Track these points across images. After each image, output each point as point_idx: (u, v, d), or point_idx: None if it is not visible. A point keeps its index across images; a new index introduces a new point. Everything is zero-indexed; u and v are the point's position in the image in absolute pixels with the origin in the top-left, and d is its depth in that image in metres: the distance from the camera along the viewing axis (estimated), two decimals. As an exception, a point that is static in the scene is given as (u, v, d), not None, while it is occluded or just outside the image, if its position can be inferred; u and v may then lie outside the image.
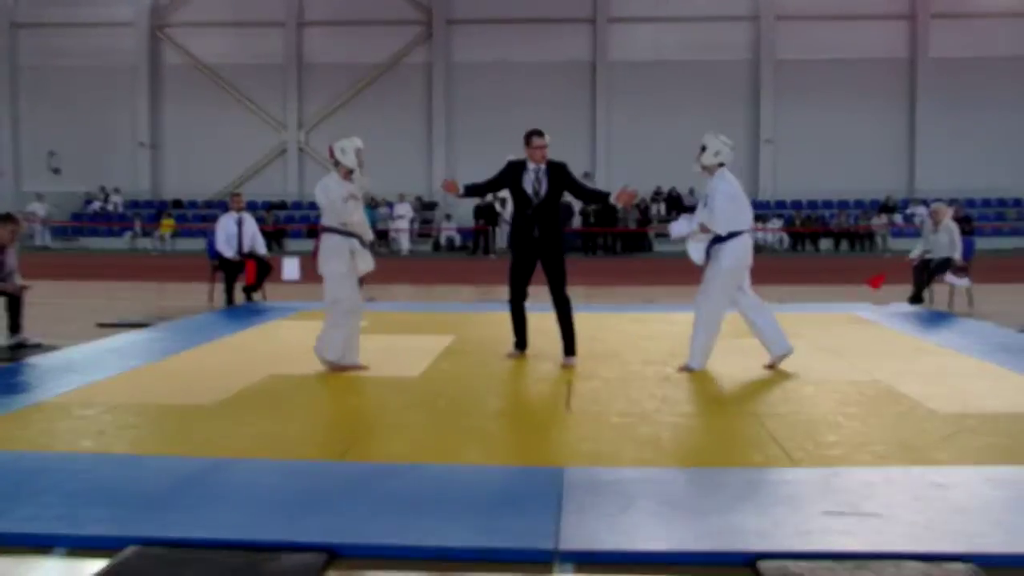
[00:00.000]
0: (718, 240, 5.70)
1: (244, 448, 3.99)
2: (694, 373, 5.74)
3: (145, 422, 4.49)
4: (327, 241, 5.79)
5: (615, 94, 25.91)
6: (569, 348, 6.19)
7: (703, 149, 5.80)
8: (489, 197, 23.76)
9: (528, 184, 6.17)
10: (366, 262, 5.89)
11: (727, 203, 5.67)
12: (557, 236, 6.23)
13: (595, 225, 23.07)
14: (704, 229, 5.75)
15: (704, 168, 5.80)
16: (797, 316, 8.64)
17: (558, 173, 6.21)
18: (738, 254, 5.71)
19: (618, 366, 6.05)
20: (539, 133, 6.17)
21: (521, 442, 4.26)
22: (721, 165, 5.77)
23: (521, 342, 6.46)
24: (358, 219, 5.85)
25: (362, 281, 5.97)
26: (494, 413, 4.78)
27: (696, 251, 5.83)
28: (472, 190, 6.37)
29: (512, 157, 6.19)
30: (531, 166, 6.19)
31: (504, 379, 5.73)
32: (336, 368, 5.73)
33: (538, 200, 6.16)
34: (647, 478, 3.54)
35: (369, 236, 5.93)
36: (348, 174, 5.85)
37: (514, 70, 25.94)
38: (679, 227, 5.96)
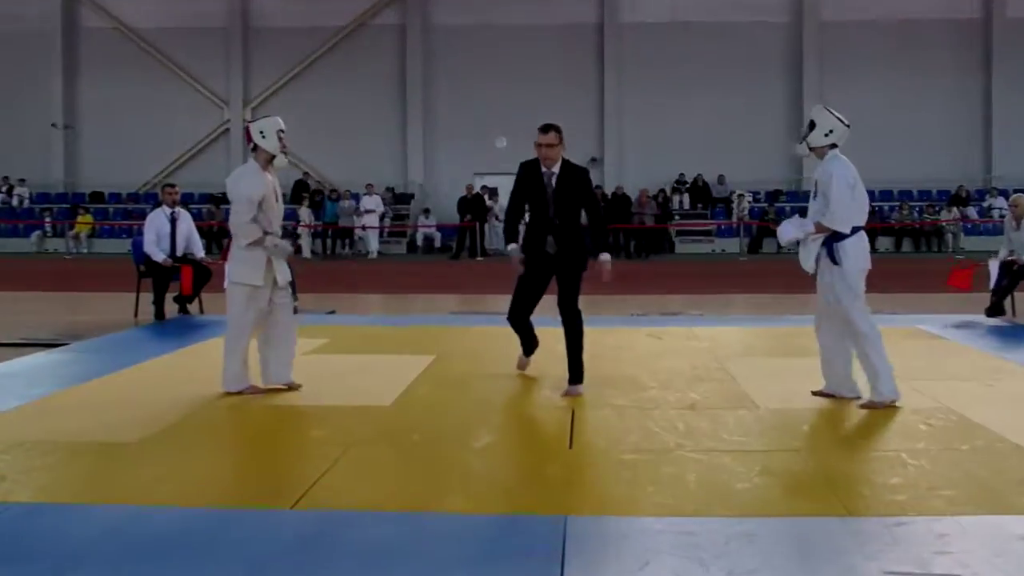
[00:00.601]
0: (835, 239, 5.59)
1: (177, 494, 3.96)
2: (725, 401, 5.72)
3: (55, 464, 4.45)
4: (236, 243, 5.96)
5: (627, 64, 25.96)
6: (575, 374, 6.11)
7: (811, 127, 5.71)
8: (478, 188, 23.84)
9: (543, 189, 6.14)
10: (283, 273, 6.04)
11: (847, 193, 5.55)
12: (576, 249, 6.17)
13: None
14: (821, 228, 5.63)
15: (812, 151, 5.75)
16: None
17: (573, 180, 6.18)
18: (860, 254, 5.63)
19: (632, 391, 6.04)
20: (544, 128, 6.13)
21: (514, 485, 4.24)
22: (834, 147, 5.69)
23: (529, 346, 6.53)
24: (254, 229, 5.92)
25: (295, 290, 6.13)
26: (481, 450, 4.75)
27: (808, 256, 5.71)
28: (511, 226, 6.42)
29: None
30: (543, 168, 6.17)
31: (494, 408, 5.72)
32: (255, 392, 5.92)
33: (550, 208, 6.11)
34: (668, 529, 3.52)
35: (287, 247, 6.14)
36: (269, 160, 5.97)
37: (504, 35, 25.99)
38: (790, 228, 5.81)
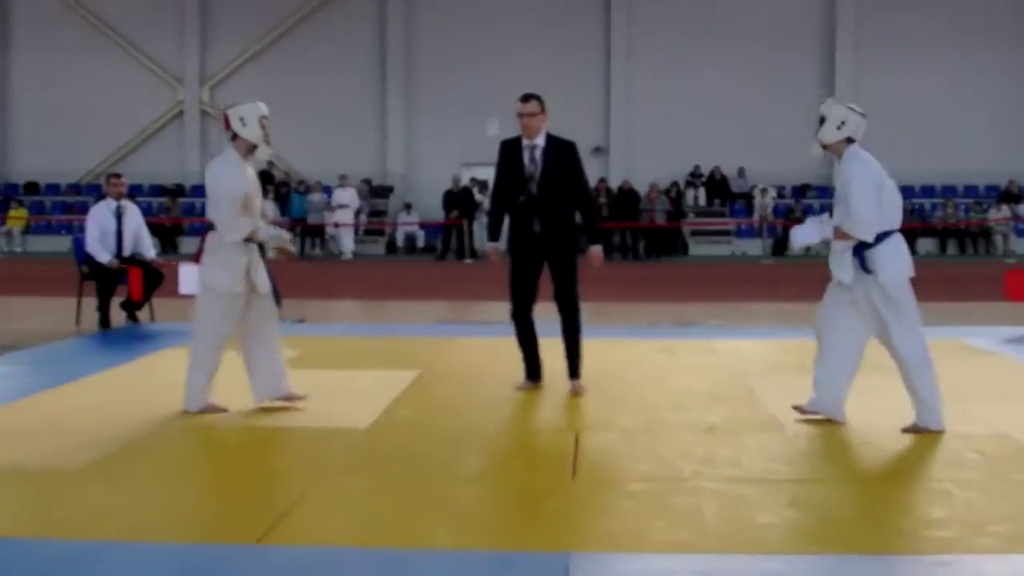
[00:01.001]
0: (864, 246, 5.51)
1: (126, 527, 3.96)
2: (747, 424, 5.75)
3: (-14, 492, 4.45)
4: (212, 243, 5.95)
5: (637, 40, 26.01)
6: (574, 369, 6.49)
7: (821, 122, 5.65)
8: (465, 180, 23.87)
9: (521, 167, 6.38)
10: (263, 280, 6.05)
11: (870, 194, 5.50)
12: (565, 230, 6.45)
13: (609, 219, 23.16)
14: (842, 235, 5.57)
15: (826, 147, 5.71)
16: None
17: (560, 153, 6.44)
18: (900, 260, 5.52)
19: (642, 412, 6.06)
20: (524, 97, 6.42)
21: (509, 518, 4.26)
22: (851, 141, 5.65)
23: (533, 370, 6.65)
24: (244, 223, 5.98)
25: (279, 297, 6.07)
26: (471, 478, 4.77)
27: (842, 266, 5.61)
28: (496, 217, 6.64)
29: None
30: (524, 142, 6.41)
31: (486, 432, 5.73)
32: (216, 411, 5.94)
33: (533, 186, 6.34)
34: (682, 568, 3.54)
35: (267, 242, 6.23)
36: (250, 151, 5.99)
37: (498, 5, 26.04)
38: (806, 232, 5.79)
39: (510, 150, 6.47)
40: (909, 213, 24.42)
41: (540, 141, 6.41)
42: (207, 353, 5.93)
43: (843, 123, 5.60)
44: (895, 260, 5.51)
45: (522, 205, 6.40)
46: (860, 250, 5.51)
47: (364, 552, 3.72)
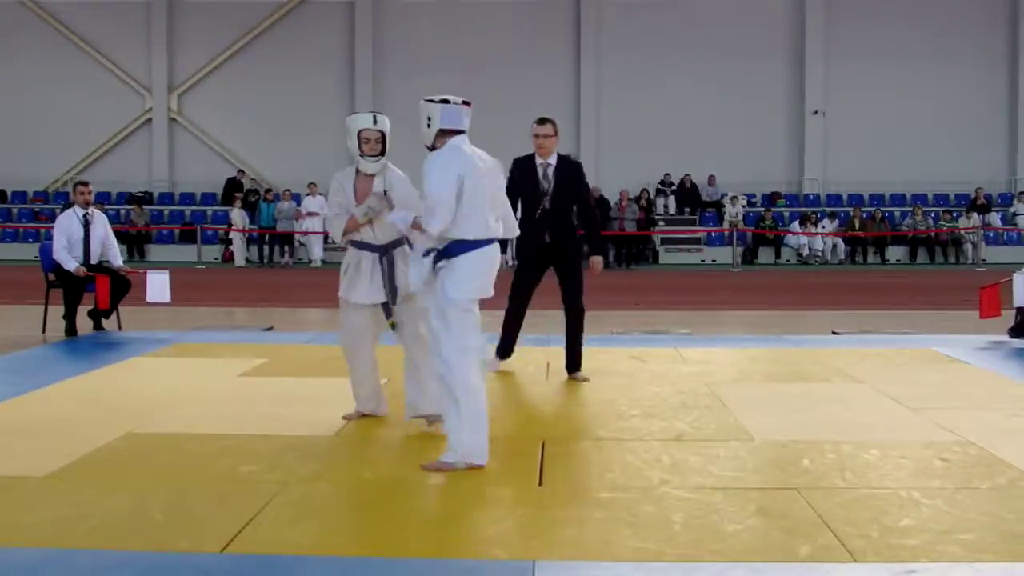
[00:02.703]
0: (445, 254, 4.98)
1: (92, 536, 3.95)
2: (716, 432, 5.78)
3: (-53, 501, 4.40)
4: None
5: (606, 46, 26.15)
6: (577, 363, 7.27)
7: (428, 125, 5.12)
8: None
9: (536, 183, 7.09)
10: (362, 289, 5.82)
11: (445, 179, 4.88)
12: (571, 240, 7.29)
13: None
14: (418, 226, 5.04)
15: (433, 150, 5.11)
16: (856, 352, 8.77)
17: (569, 173, 7.22)
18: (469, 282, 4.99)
19: (610, 420, 6.08)
20: (540, 120, 7.17)
21: (475, 527, 4.25)
22: (457, 133, 5.05)
23: (507, 347, 7.39)
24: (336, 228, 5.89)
25: (390, 312, 5.77)
26: (438, 486, 4.76)
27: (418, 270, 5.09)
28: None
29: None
30: (539, 161, 7.18)
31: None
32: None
33: (547, 201, 7.10)
34: None
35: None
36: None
37: (467, 11, 26.08)
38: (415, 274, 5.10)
39: (524, 167, 7.14)
40: (878, 221, 24.70)
41: (552, 160, 7.15)
42: (346, 356, 6.07)
43: (429, 119, 5.07)
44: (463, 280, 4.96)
45: (535, 218, 7.05)
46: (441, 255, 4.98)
47: (331, 560, 3.71)
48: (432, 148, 5.07)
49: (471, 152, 5.04)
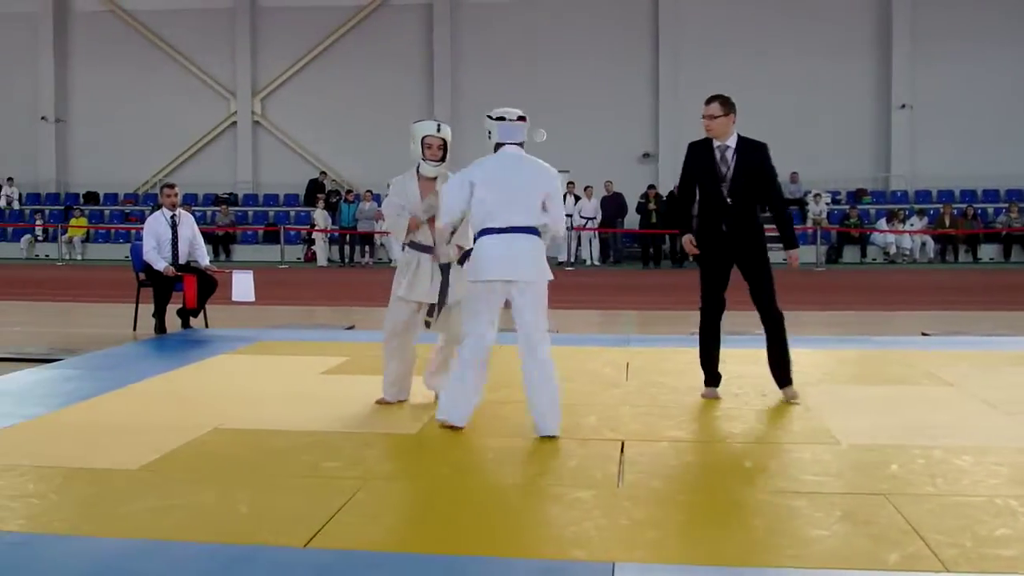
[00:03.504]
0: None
1: (180, 528, 4.04)
2: (800, 435, 5.71)
3: (46, 491, 4.55)
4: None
5: (686, 42, 25.86)
6: (786, 376, 6.56)
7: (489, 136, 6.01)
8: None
9: (713, 168, 6.47)
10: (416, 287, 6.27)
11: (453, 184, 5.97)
12: (755, 232, 6.51)
13: (657, 226, 23.05)
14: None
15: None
16: (947, 354, 8.56)
17: (750, 156, 6.49)
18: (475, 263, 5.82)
19: (690, 423, 6.04)
20: (708, 99, 6.55)
21: (555, 528, 4.25)
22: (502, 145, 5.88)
23: (713, 375, 6.70)
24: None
25: (432, 313, 6.29)
26: (518, 486, 4.78)
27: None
28: (682, 215, 6.64)
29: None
30: (715, 143, 6.52)
31: (533, 439, 5.73)
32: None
33: (724, 186, 6.44)
34: (730, 577, 3.52)
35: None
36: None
37: (544, 11, 26.05)
38: None
39: (699, 151, 6.56)
40: (970, 218, 24.02)
41: (731, 142, 6.49)
42: (384, 346, 6.54)
43: (489, 133, 5.90)
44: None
45: (713, 206, 6.48)
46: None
47: (410, 557, 3.74)
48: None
49: (502, 162, 5.79)
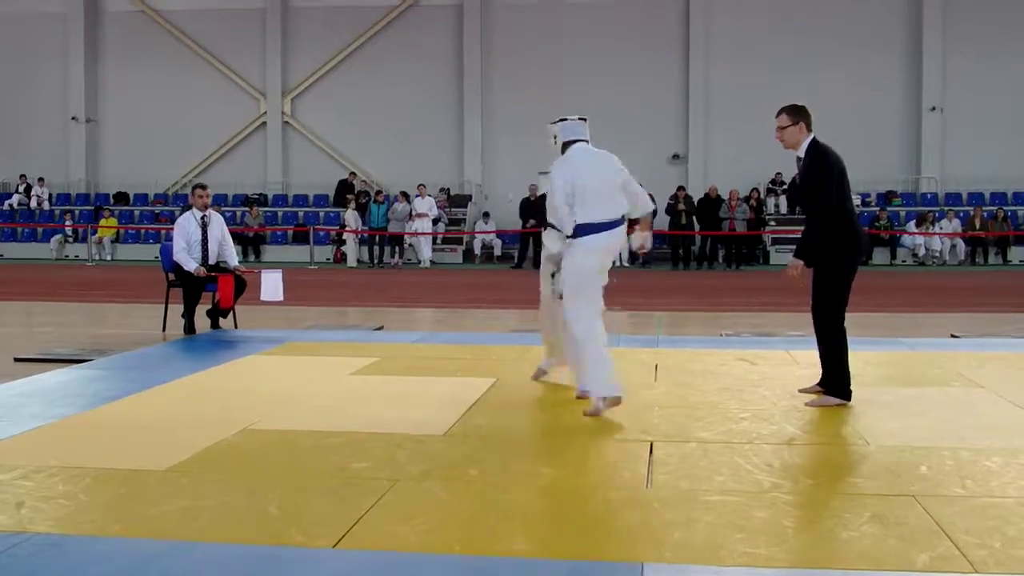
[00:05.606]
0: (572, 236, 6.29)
1: (209, 529, 4.06)
2: (829, 437, 5.66)
3: (77, 491, 4.58)
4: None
5: (715, 42, 25.82)
6: (827, 380, 6.55)
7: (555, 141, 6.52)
8: (543, 189, 23.90)
9: (797, 179, 6.72)
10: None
11: (555, 188, 6.31)
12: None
13: (687, 227, 22.99)
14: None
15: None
16: (977, 356, 8.50)
17: (809, 165, 6.40)
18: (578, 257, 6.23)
19: (720, 424, 6.01)
20: (777, 112, 6.51)
21: (583, 528, 4.25)
22: (573, 143, 6.41)
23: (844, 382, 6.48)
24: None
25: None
26: (546, 487, 4.77)
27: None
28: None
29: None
30: (796, 155, 6.56)
31: (562, 440, 5.74)
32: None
33: (798, 199, 6.82)
34: (761, 580, 3.50)
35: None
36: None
37: (574, 13, 26.06)
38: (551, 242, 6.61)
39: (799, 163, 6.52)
40: (1000, 220, 23.79)
41: (802, 151, 6.45)
42: None
43: (555, 136, 6.38)
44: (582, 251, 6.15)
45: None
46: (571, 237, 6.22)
47: (440, 558, 3.75)
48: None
49: (582, 156, 6.25)
